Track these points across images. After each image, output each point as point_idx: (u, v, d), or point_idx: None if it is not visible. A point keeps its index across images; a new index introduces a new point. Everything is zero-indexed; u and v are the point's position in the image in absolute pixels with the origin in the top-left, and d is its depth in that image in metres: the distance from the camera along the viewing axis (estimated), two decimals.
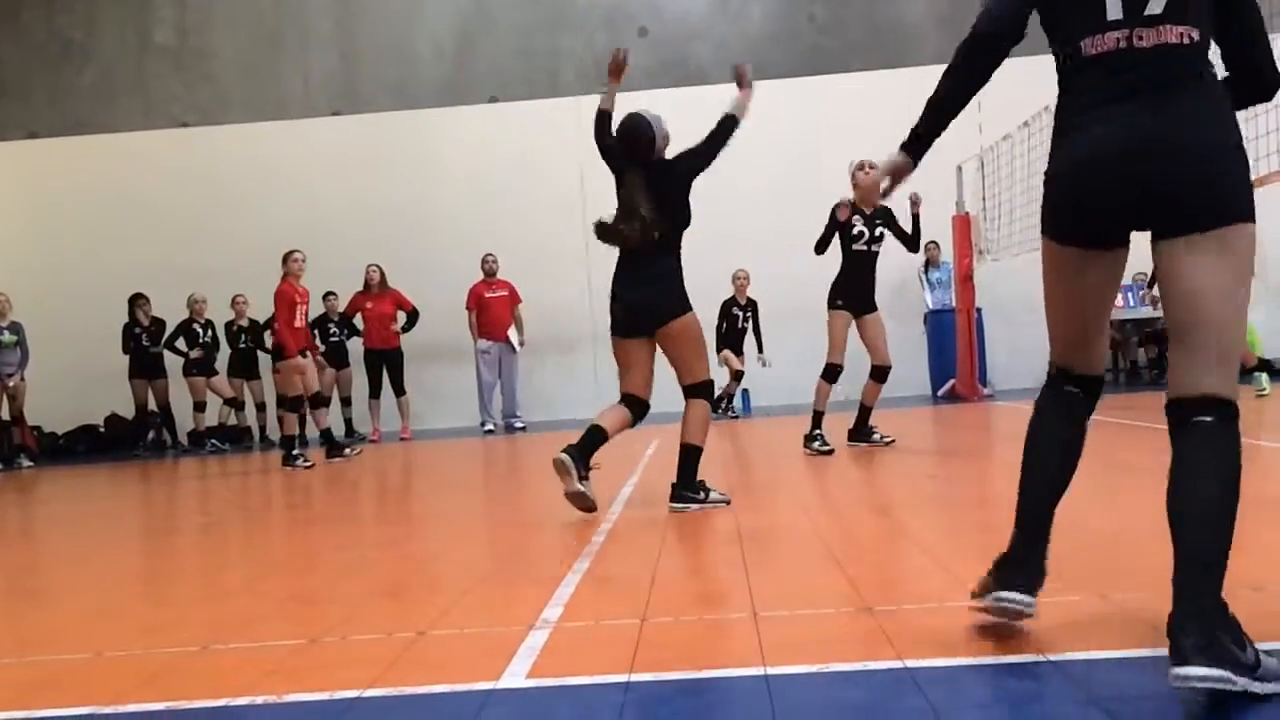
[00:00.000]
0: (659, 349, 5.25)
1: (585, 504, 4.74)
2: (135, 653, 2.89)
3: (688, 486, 4.93)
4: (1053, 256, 2.43)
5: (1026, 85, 11.78)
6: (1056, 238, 2.40)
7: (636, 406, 5.24)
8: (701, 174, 5.41)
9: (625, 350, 5.35)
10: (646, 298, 5.21)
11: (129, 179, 13.96)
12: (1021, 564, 2.46)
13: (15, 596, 3.90)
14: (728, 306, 12.42)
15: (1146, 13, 2.22)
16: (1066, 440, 2.49)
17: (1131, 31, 2.26)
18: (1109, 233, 2.31)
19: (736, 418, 12.17)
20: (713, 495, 4.93)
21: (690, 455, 4.99)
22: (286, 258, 9.22)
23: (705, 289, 13.41)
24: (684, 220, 5.27)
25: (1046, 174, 2.47)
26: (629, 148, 5.26)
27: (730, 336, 12.23)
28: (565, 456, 4.75)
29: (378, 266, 12.41)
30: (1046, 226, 2.44)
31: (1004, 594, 2.39)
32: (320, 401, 9.60)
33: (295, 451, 9.01)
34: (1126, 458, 6.10)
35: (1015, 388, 13.22)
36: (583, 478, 4.76)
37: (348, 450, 9.62)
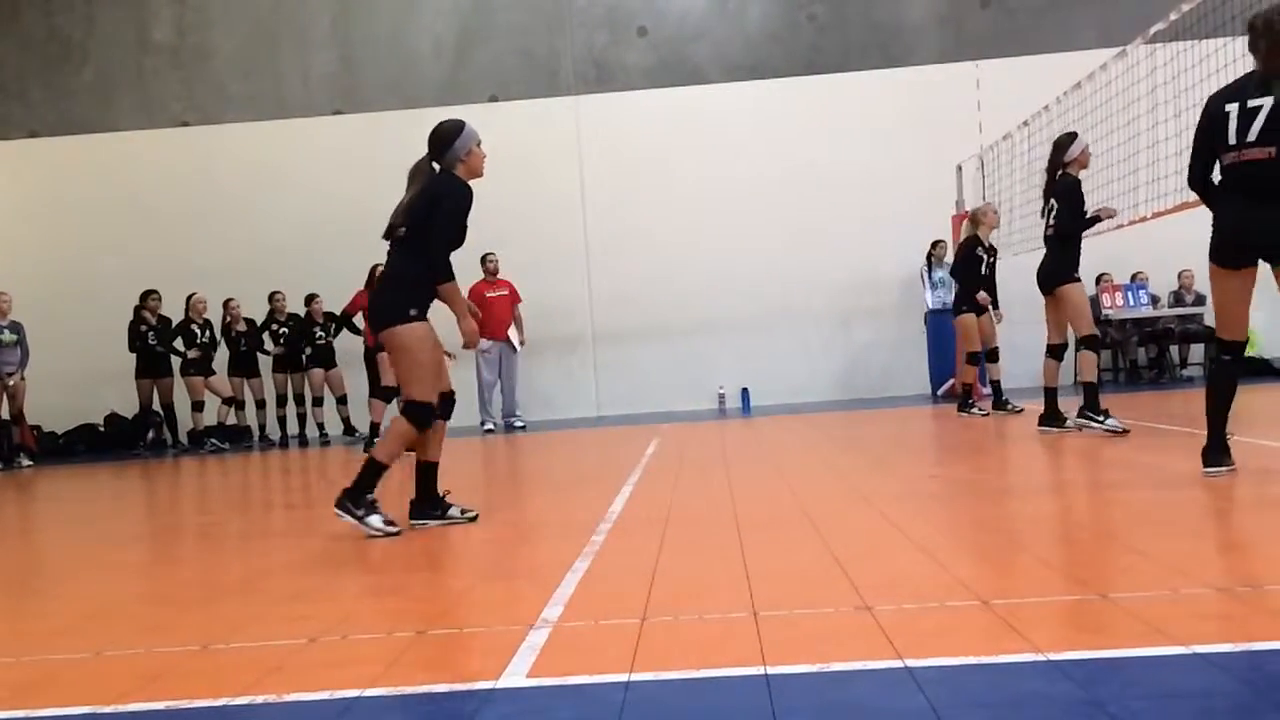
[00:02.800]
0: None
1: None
2: (135, 652, 2.89)
3: (352, 499, 4.58)
4: (1216, 276, 4.68)
5: (1026, 86, 11.93)
6: (1219, 264, 4.63)
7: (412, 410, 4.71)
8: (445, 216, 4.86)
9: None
10: (376, 298, 5.01)
11: (128, 178, 13.96)
12: (1218, 450, 4.66)
13: (15, 595, 3.90)
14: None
15: (1246, 140, 4.40)
16: (1232, 381, 4.75)
17: (1239, 151, 4.45)
18: (1240, 260, 4.56)
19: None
20: (373, 520, 4.57)
21: (370, 469, 4.62)
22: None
23: (705, 289, 13.54)
24: (428, 230, 4.76)
25: (1214, 226, 4.68)
26: (429, 143, 5.00)
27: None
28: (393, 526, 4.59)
29: (382, 266, 12.38)
30: (1213, 257, 4.65)
31: (1216, 469, 4.61)
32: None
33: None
34: (1127, 457, 6.10)
35: (1015, 387, 13.22)
36: (357, 515, 4.55)
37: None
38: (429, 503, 4.81)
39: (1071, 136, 7.46)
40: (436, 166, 4.95)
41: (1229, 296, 4.66)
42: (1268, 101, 4.33)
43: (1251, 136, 4.34)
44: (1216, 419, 4.68)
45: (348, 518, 4.55)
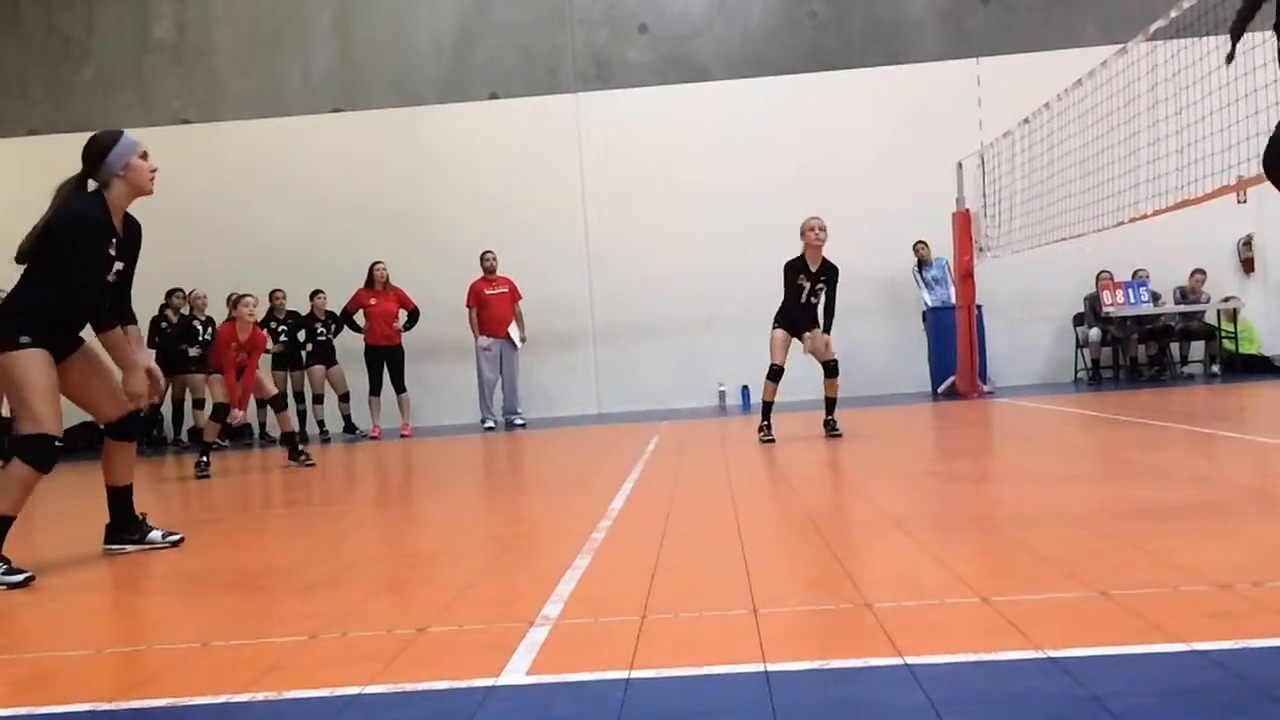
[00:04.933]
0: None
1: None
2: (136, 649, 2.89)
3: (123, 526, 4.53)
4: None
5: (1027, 83, 11.92)
6: None
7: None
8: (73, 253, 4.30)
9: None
10: None
11: None
12: None
13: (14, 593, 3.90)
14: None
15: None
16: None
17: None
18: None
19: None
20: (152, 535, 4.49)
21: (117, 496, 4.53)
22: (235, 302, 8.89)
23: (706, 286, 13.54)
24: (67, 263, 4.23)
25: None
26: (83, 155, 4.48)
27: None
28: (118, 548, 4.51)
29: (384, 265, 12.41)
30: None
31: None
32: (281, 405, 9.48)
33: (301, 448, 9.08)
34: (1126, 455, 6.10)
35: (1015, 384, 13.24)
36: (138, 539, 4.52)
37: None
38: (125, 527, 4.66)
39: None
40: (91, 184, 4.43)
41: None
42: None
43: None
44: None
45: (128, 549, 4.44)
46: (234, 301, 8.97)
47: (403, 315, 12.50)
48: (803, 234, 7.95)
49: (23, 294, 4.26)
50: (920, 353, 13.16)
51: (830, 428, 8.01)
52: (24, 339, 4.14)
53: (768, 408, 8.13)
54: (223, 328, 9.01)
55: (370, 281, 12.43)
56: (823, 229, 7.89)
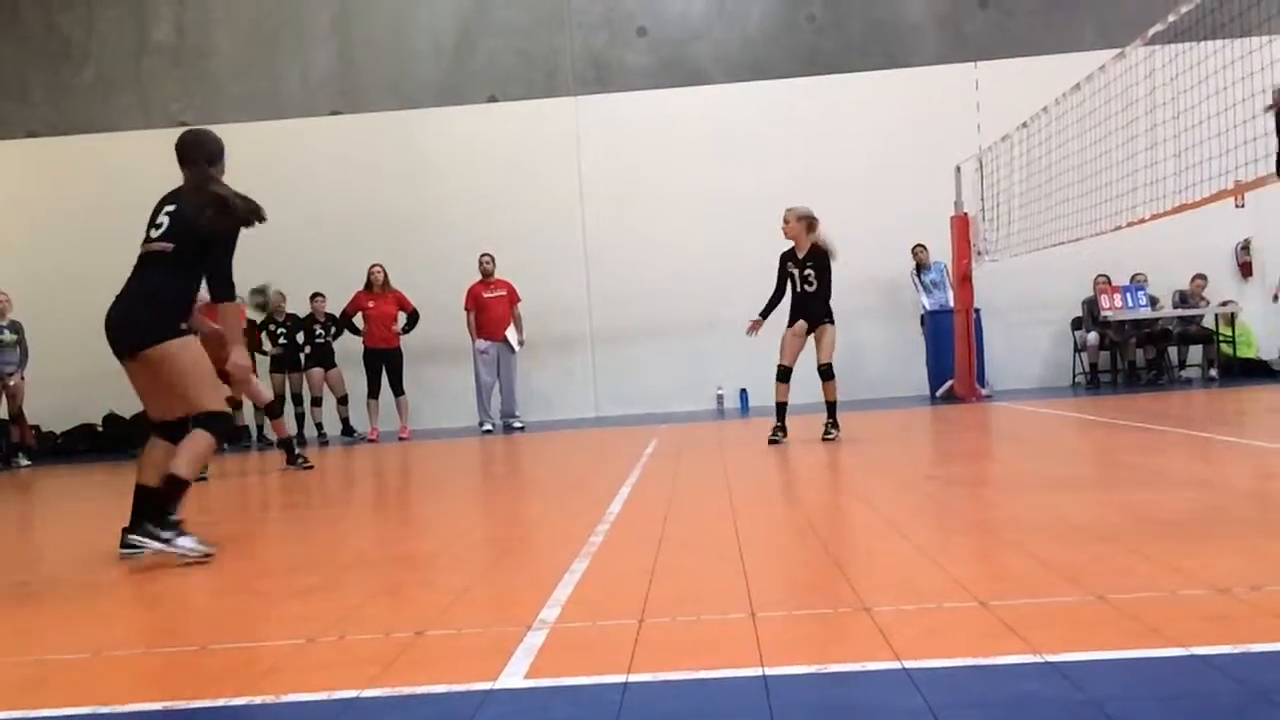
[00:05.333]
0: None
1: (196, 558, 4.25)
2: (134, 652, 2.89)
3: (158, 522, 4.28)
4: None
5: (1025, 87, 11.93)
6: None
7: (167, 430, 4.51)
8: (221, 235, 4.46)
9: (129, 373, 4.59)
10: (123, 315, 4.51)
11: (127, 178, 13.92)
12: None
13: (13, 596, 3.90)
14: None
15: None
16: None
17: None
18: None
19: None
20: (184, 542, 4.24)
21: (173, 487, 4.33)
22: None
23: (704, 289, 13.54)
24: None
25: None
26: (184, 154, 4.68)
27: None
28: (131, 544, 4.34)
29: (381, 266, 12.42)
30: None
31: None
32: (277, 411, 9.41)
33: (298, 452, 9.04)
34: (1124, 459, 6.11)
35: (1013, 388, 13.24)
36: (164, 538, 4.23)
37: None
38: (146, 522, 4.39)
39: None
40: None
41: None
42: None
43: None
44: None
45: (151, 544, 4.22)
46: None
47: (402, 318, 12.50)
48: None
49: (168, 286, 4.45)
50: (918, 356, 13.17)
51: (827, 431, 8.02)
52: (183, 326, 4.45)
53: (780, 409, 8.15)
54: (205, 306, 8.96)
55: (368, 284, 12.44)
56: (798, 218, 8.05)
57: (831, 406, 8.14)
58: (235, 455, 11.65)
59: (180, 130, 4.90)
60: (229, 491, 7.81)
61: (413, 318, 12.49)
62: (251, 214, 4.45)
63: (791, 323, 8.12)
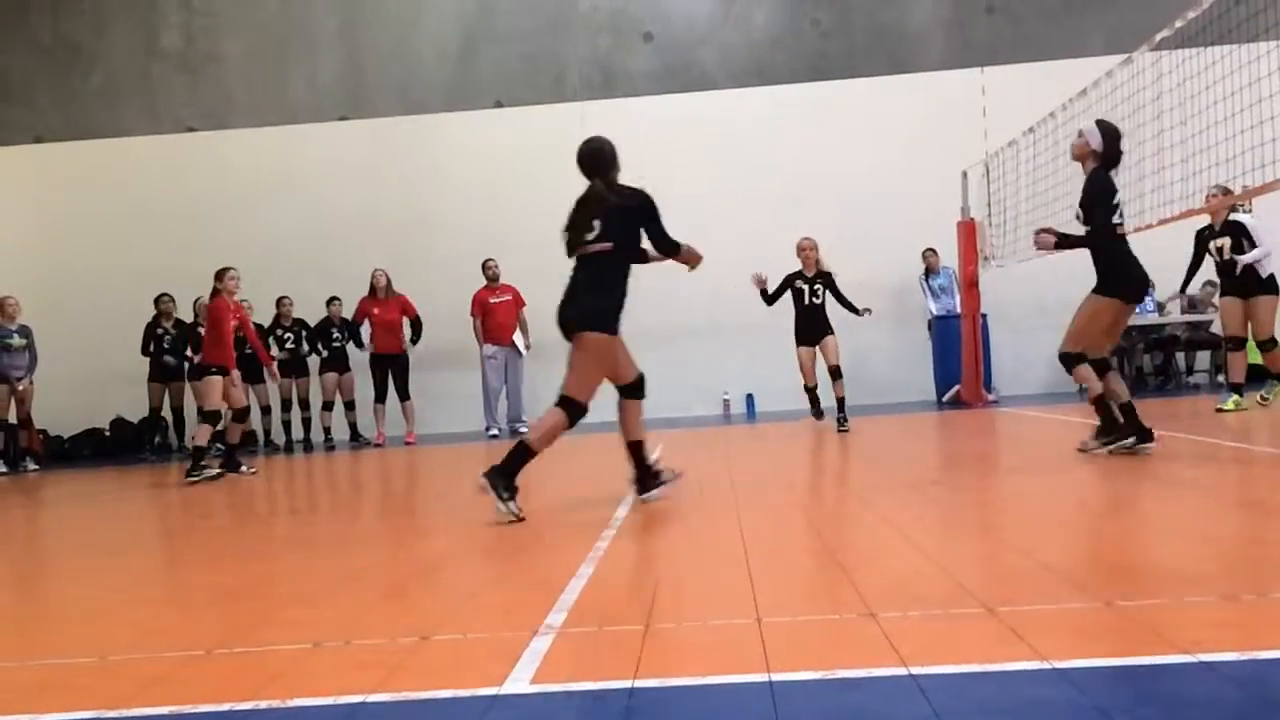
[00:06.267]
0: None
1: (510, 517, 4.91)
2: (139, 657, 2.89)
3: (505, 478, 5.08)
4: None
5: (1032, 93, 11.92)
6: None
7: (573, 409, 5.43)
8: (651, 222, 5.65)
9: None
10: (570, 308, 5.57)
11: (135, 183, 14.00)
12: None
13: (19, 599, 3.90)
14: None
15: None
16: None
17: None
18: None
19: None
20: (508, 506, 4.97)
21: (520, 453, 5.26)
22: (222, 274, 9.00)
23: (710, 294, 13.54)
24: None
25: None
26: (590, 164, 5.64)
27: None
28: (484, 479, 5.03)
29: (384, 271, 12.44)
30: None
31: None
32: (241, 416, 9.35)
33: (204, 463, 8.87)
34: (1131, 465, 6.09)
35: (1020, 393, 13.21)
36: (505, 498, 4.93)
37: (244, 469, 9.22)
38: (645, 478, 5.45)
39: None
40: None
41: None
42: None
43: None
44: None
45: (491, 493, 4.95)
46: (220, 274, 9.05)
47: (407, 326, 12.52)
48: (797, 253, 9.74)
49: (614, 289, 5.51)
50: (925, 361, 13.15)
51: (841, 424, 9.31)
52: (618, 327, 5.41)
53: (812, 396, 9.85)
54: (218, 302, 9.01)
55: (371, 289, 12.46)
56: (814, 247, 9.72)
57: (842, 402, 9.46)
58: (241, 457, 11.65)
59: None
60: (233, 494, 7.82)
61: (416, 325, 12.50)
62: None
63: (801, 341, 9.64)
